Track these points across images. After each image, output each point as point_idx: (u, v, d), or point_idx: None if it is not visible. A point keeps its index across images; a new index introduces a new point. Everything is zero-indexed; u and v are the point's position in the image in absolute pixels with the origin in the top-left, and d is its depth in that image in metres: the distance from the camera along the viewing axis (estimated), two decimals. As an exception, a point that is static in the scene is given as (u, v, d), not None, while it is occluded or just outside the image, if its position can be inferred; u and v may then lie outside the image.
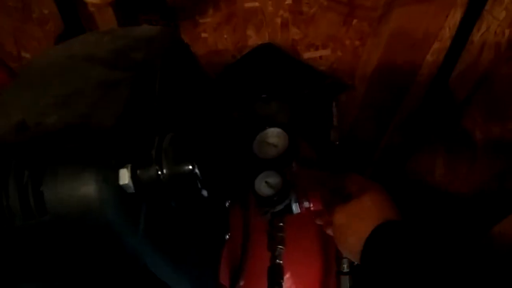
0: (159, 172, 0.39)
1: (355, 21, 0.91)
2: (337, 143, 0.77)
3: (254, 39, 0.98)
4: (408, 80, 0.94)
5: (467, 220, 0.70)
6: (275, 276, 0.57)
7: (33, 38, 0.97)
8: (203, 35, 0.96)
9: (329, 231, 0.61)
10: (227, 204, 0.63)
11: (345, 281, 0.64)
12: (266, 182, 0.60)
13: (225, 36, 0.97)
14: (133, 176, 0.39)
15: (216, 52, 1.00)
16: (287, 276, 0.62)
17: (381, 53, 0.90)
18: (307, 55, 1.01)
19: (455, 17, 0.79)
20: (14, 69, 0.91)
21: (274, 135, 0.63)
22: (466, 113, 0.77)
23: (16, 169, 0.38)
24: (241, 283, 0.63)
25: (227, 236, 0.63)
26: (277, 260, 0.58)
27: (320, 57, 1.01)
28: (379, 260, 0.47)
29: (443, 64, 0.79)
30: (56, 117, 0.42)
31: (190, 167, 0.39)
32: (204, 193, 0.41)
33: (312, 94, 0.98)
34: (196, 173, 0.39)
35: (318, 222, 0.63)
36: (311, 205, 0.61)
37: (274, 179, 0.60)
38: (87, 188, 0.37)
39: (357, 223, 0.51)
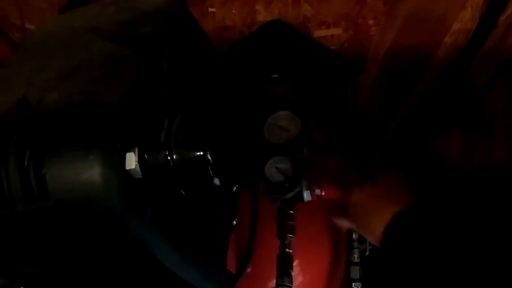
0: (169, 158, 0.36)
1: (369, -2, 0.87)
2: (351, 128, 0.74)
3: (263, 14, 0.94)
4: (422, 63, 0.91)
5: (482, 207, 0.68)
6: (284, 265, 0.55)
7: (37, 9, 0.94)
8: (211, 10, 0.92)
9: (337, 220, 0.59)
10: (234, 188, 0.61)
11: (355, 271, 0.62)
12: (276, 167, 0.57)
13: (233, 11, 0.93)
14: (141, 160, 0.36)
15: (224, 28, 0.96)
16: (294, 263, 0.60)
17: (395, 34, 0.87)
18: (317, 33, 0.97)
19: (478, -3, 0.75)
20: (18, 40, 0.87)
21: (285, 119, 0.60)
22: (486, 99, 0.74)
23: (17, 148, 0.35)
24: (248, 270, 0.61)
25: (235, 222, 0.61)
26: (287, 249, 0.56)
27: (331, 35, 0.97)
28: (400, 248, 0.45)
29: (466, 47, 0.75)
30: (59, 93, 0.39)
31: (202, 153, 0.36)
32: (216, 181, 0.38)
33: (322, 75, 0.95)
34: (208, 159, 0.36)
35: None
36: (323, 193, 0.59)
37: (285, 165, 0.57)
38: (92, 172, 0.35)
39: (378, 204, 0.49)
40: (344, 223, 0.58)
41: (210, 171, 0.37)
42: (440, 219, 0.44)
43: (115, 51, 0.43)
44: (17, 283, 0.50)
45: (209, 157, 0.37)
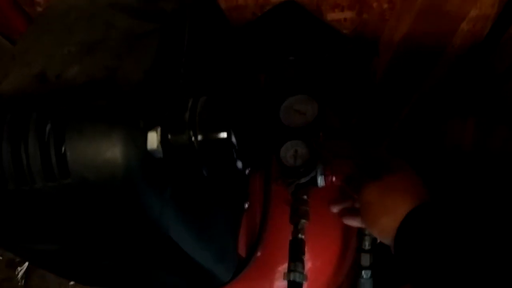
0: (193, 138, 0.35)
1: (385, -19, 0.85)
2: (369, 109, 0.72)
3: (276, -5, 0.92)
4: (438, 49, 0.89)
5: (498, 201, 0.67)
6: (297, 250, 0.55)
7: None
8: (224, -12, 0.90)
9: (348, 221, 0.58)
10: (247, 171, 0.60)
11: (366, 259, 0.62)
12: (292, 152, 0.56)
13: (246, -10, 0.90)
14: (163, 140, 0.36)
15: (236, 8, 0.94)
16: (306, 249, 0.60)
17: (412, 19, 0.85)
18: (331, 16, 0.95)
19: (499, -18, 0.73)
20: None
21: (302, 102, 0.59)
22: (505, 87, 0.72)
23: (37, 123, 0.34)
24: (258, 254, 0.60)
25: (246, 205, 0.61)
26: (299, 235, 0.55)
27: (345, 19, 0.95)
28: (414, 246, 0.44)
29: (488, 33, 0.73)
30: (79, 68, 0.38)
31: (227, 134, 0.35)
32: (239, 164, 0.37)
33: (334, 58, 0.93)
34: (232, 141, 0.36)
35: (335, 210, 0.60)
36: (334, 178, 0.59)
37: (301, 149, 0.56)
38: (114, 151, 0.34)
39: (390, 202, 0.48)
40: (354, 223, 0.58)
41: (234, 154, 0.36)
42: (454, 217, 0.44)
43: (136, 26, 0.42)
44: (30, 261, 0.49)
45: (233, 139, 0.36)
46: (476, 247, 0.41)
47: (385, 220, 0.47)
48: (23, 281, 0.95)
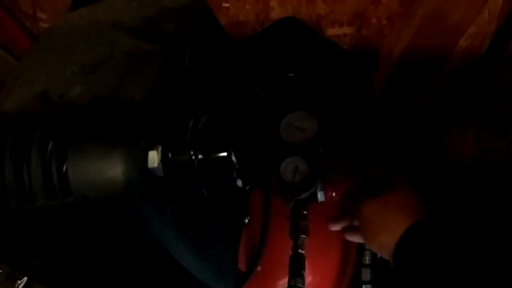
0: (193, 157, 0.36)
1: (385, -2, 0.86)
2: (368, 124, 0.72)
3: (277, 11, 0.93)
4: (437, 65, 0.90)
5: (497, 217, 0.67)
6: (297, 266, 0.55)
7: (50, -2, 0.93)
8: (225, 5, 0.91)
9: (349, 237, 0.58)
10: (247, 187, 0.61)
11: (366, 273, 0.62)
12: (292, 168, 0.57)
13: (247, 7, 0.92)
14: (164, 159, 0.36)
15: (237, 24, 0.95)
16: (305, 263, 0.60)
17: (412, 35, 0.86)
18: (330, 31, 0.96)
19: (497, 0, 0.74)
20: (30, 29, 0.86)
21: (302, 119, 0.59)
22: (504, 102, 0.73)
23: (40, 143, 0.35)
24: (258, 269, 0.61)
25: (246, 220, 0.61)
26: (299, 250, 0.56)
27: (344, 34, 0.96)
28: (413, 262, 0.45)
29: (487, 49, 0.74)
30: (81, 87, 0.39)
31: (227, 154, 0.36)
32: (239, 183, 0.38)
33: (333, 73, 0.94)
34: (232, 161, 0.36)
35: (334, 228, 0.60)
36: (333, 194, 0.59)
37: (301, 166, 0.57)
38: (115, 170, 0.34)
39: (390, 218, 0.48)
40: (356, 239, 0.58)
41: (234, 173, 0.37)
42: (452, 233, 0.44)
43: (139, 47, 0.43)
44: (28, 276, 0.50)
45: (233, 158, 0.36)
46: (474, 263, 0.41)
47: (384, 237, 0.48)
48: (23, 294, 0.96)
